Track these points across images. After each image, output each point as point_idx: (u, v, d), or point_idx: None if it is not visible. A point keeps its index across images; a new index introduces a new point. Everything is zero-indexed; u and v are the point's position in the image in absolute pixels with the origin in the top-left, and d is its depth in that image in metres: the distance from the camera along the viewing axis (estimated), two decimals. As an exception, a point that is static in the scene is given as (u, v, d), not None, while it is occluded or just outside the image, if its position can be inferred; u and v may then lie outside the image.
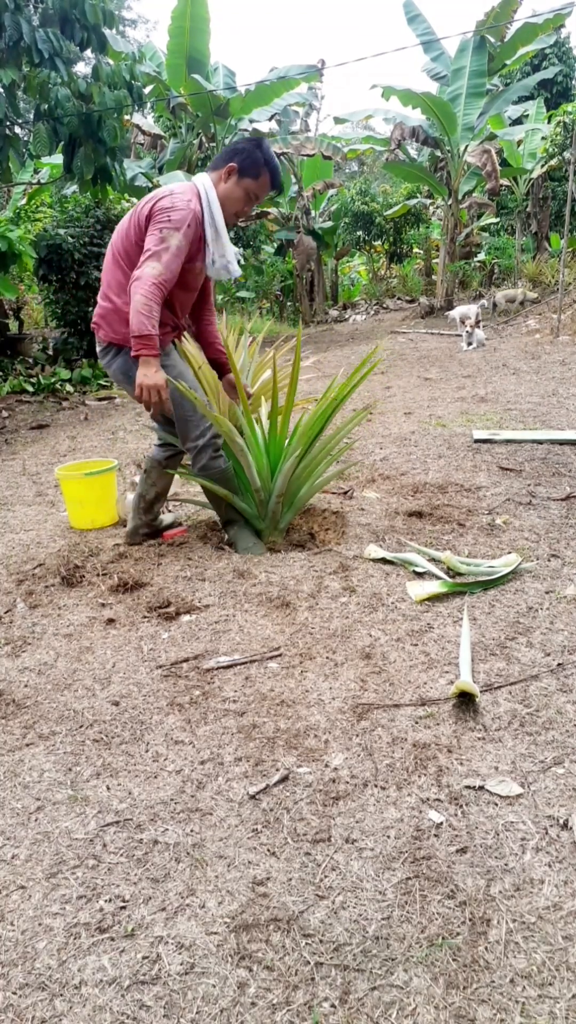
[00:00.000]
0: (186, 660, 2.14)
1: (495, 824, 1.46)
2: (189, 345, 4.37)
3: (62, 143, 6.29)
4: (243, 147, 2.70)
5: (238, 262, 3.03)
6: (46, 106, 5.98)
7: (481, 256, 15.41)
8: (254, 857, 1.42)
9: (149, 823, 1.52)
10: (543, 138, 12.73)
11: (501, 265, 14.79)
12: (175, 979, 1.18)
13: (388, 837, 1.45)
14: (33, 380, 7.57)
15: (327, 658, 2.11)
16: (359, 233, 16.17)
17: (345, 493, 3.59)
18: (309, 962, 1.20)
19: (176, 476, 3.12)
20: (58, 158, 9.15)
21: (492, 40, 11.13)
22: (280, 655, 2.14)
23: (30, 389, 7.43)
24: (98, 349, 2.83)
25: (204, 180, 2.70)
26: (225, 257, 2.72)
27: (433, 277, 15.89)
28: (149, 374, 2.60)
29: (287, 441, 2.92)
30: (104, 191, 7.02)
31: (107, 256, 2.77)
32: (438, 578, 2.55)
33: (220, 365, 3.12)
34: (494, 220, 15.51)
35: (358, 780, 1.61)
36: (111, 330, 2.73)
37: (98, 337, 2.80)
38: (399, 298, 16.73)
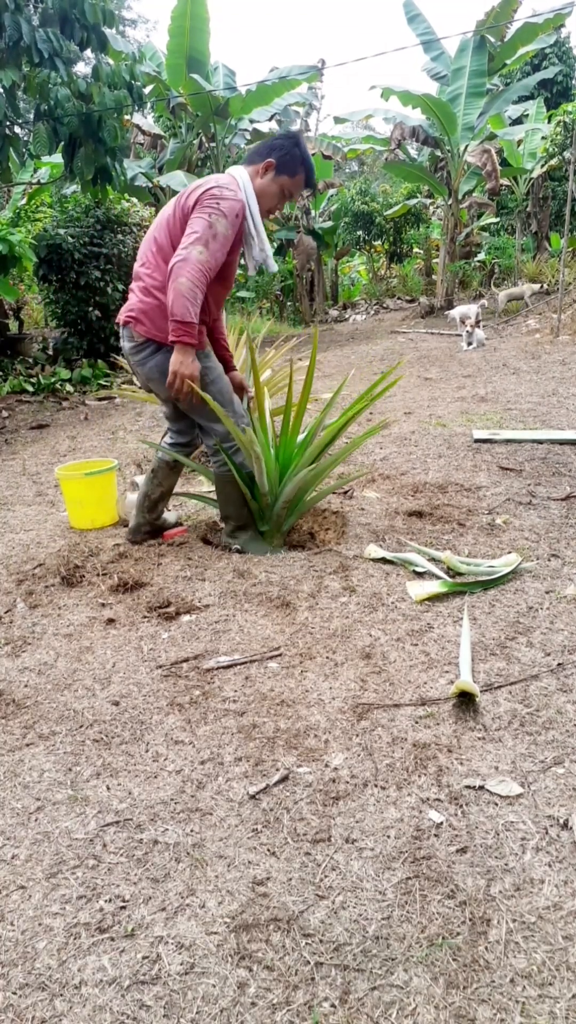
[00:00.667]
0: (186, 660, 2.14)
1: (495, 824, 1.46)
2: None
3: (62, 143, 6.29)
4: (281, 143, 2.65)
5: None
6: (46, 106, 5.98)
7: (481, 256, 15.41)
8: (254, 857, 1.42)
9: (149, 823, 1.52)
10: (543, 138, 12.73)
11: (501, 265, 14.78)
12: (175, 979, 1.18)
13: (388, 837, 1.44)
14: (33, 380, 7.58)
15: (327, 658, 2.11)
16: (359, 233, 16.17)
17: (345, 493, 3.59)
18: (309, 962, 1.20)
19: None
20: (58, 158, 9.15)
21: (492, 40, 11.13)
22: (280, 655, 2.14)
23: (30, 389, 7.43)
24: (129, 345, 2.71)
25: (241, 174, 2.63)
26: (265, 251, 2.67)
27: (433, 277, 15.89)
28: (187, 363, 2.54)
29: (297, 441, 2.91)
30: (104, 191, 7.02)
31: (147, 249, 2.67)
32: (438, 578, 2.55)
33: (224, 362, 3.10)
34: (494, 220, 15.50)
35: (358, 780, 1.61)
36: (153, 327, 2.64)
37: (134, 332, 2.68)
38: (399, 298, 16.73)
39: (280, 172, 2.63)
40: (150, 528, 3.10)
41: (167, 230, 2.61)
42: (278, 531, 2.99)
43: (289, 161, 2.63)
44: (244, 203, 2.55)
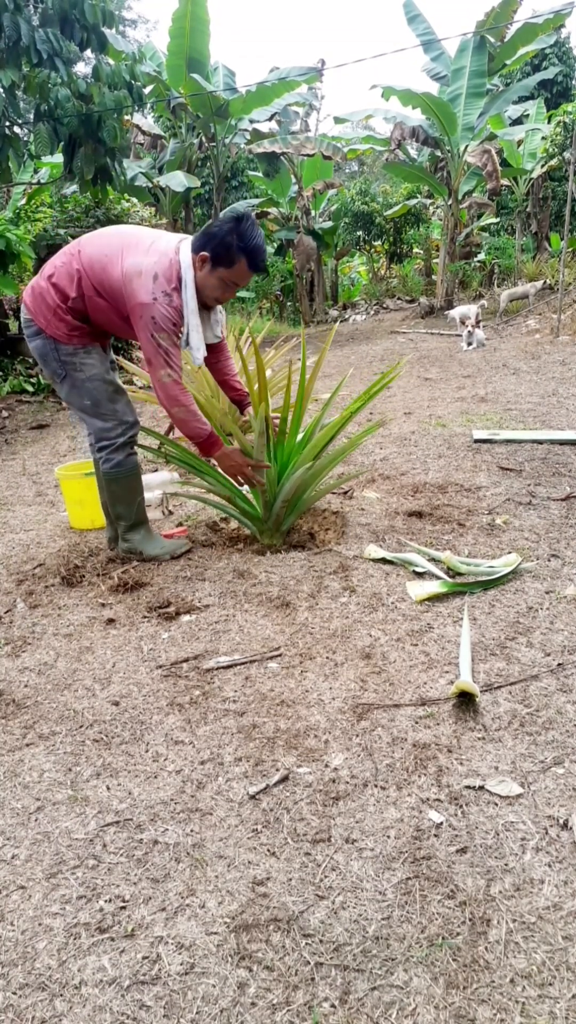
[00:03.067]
0: (186, 660, 2.14)
1: (495, 824, 1.46)
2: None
3: (62, 143, 6.30)
4: (217, 231, 2.46)
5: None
6: (46, 106, 5.98)
7: (481, 256, 15.41)
8: (254, 857, 1.42)
9: (149, 823, 1.52)
10: (543, 138, 12.74)
11: (501, 265, 14.79)
12: (175, 979, 1.18)
13: (388, 837, 1.44)
14: (33, 380, 7.57)
15: (327, 658, 2.11)
16: (359, 233, 16.18)
17: (345, 493, 3.59)
18: (309, 962, 1.20)
19: (174, 475, 3.12)
20: (58, 158, 9.15)
21: (492, 40, 11.14)
22: (280, 655, 2.14)
23: (30, 389, 7.43)
24: (23, 317, 2.67)
25: (186, 260, 2.48)
26: (192, 344, 2.57)
27: (433, 277, 15.90)
28: (232, 462, 2.70)
29: (296, 439, 2.92)
30: (104, 191, 7.03)
31: (76, 273, 2.53)
32: (438, 578, 2.55)
33: (239, 403, 3.02)
34: (494, 220, 15.51)
35: (358, 780, 1.60)
36: (39, 313, 2.59)
37: (26, 309, 2.63)
38: (399, 298, 16.73)
39: (216, 265, 2.46)
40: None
41: (108, 290, 2.51)
42: (277, 530, 2.99)
43: (223, 252, 2.44)
44: (177, 307, 2.46)
